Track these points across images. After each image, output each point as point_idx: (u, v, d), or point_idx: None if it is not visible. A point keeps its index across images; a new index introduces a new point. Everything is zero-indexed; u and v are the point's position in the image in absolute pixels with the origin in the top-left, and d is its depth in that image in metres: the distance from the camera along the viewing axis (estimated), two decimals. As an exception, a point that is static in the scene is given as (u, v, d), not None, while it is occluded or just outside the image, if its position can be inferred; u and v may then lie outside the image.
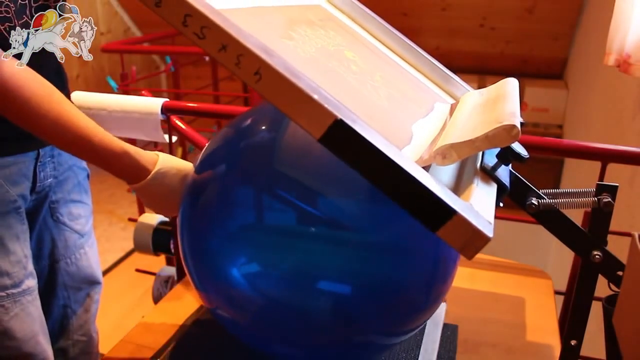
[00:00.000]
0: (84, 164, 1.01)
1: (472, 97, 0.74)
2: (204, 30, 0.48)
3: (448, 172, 0.59)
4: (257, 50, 0.47)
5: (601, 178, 1.13)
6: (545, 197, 0.66)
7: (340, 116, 0.46)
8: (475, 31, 3.25)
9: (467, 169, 0.60)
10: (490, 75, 3.28)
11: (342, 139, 0.46)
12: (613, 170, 1.14)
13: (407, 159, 0.47)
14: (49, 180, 0.92)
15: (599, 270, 0.66)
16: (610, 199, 0.64)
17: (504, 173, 0.60)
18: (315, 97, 0.46)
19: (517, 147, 0.58)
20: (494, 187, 0.57)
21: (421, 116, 0.66)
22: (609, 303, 0.66)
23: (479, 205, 0.49)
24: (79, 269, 1.02)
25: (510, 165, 0.63)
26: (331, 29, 0.74)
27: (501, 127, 0.52)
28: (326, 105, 0.46)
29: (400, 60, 0.82)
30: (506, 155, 0.58)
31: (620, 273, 0.64)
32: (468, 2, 3.16)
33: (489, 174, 0.58)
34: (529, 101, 3.17)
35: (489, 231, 0.45)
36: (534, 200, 0.65)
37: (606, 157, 1.12)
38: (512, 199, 0.66)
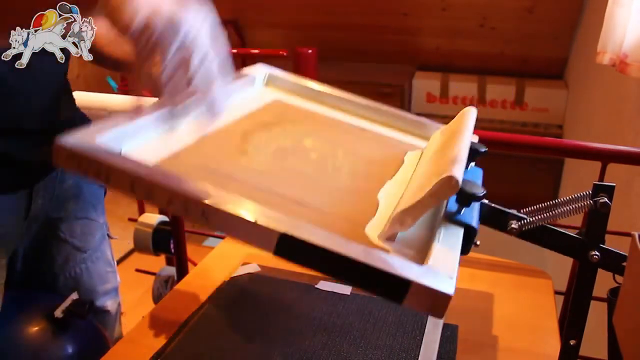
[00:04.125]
0: None
1: (434, 140, 0.74)
2: (150, 192, 0.51)
3: (415, 229, 0.58)
4: (196, 195, 0.50)
5: (601, 178, 1.13)
6: (526, 217, 0.65)
7: (282, 230, 0.48)
8: (475, 31, 3.25)
9: (436, 218, 0.60)
10: (490, 75, 3.27)
11: (292, 248, 0.48)
12: (613, 170, 1.14)
13: (355, 246, 0.48)
14: (45, 207, 0.90)
15: (599, 267, 0.65)
16: (607, 200, 0.63)
17: (469, 213, 0.59)
18: (256, 220, 0.48)
19: (471, 187, 0.58)
20: (460, 232, 0.57)
21: (389, 177, 0.67)
22: (614, 295, 0.65)
23: (439, 261, 0.49)
24: (78, 284, 1.00)
25: (484, 198, 0.60)
26: (289, 122, 0.76)
27: (440, 182, 0.52)
28: (267, 225, 0.48)
29: (364, 122, 0.82)
30: (462, 199, 0.58)
31: (624, 264, 0.63)
32: (468, 2, 3.16)
33: (453, 221, 0.58)
34: (529, 101, 3.17)
35: (449, 289, 0.46)
36: (514, 224, 0.65)
37: (606, 157, 1.12)
38: (492, 227, 0.66)
